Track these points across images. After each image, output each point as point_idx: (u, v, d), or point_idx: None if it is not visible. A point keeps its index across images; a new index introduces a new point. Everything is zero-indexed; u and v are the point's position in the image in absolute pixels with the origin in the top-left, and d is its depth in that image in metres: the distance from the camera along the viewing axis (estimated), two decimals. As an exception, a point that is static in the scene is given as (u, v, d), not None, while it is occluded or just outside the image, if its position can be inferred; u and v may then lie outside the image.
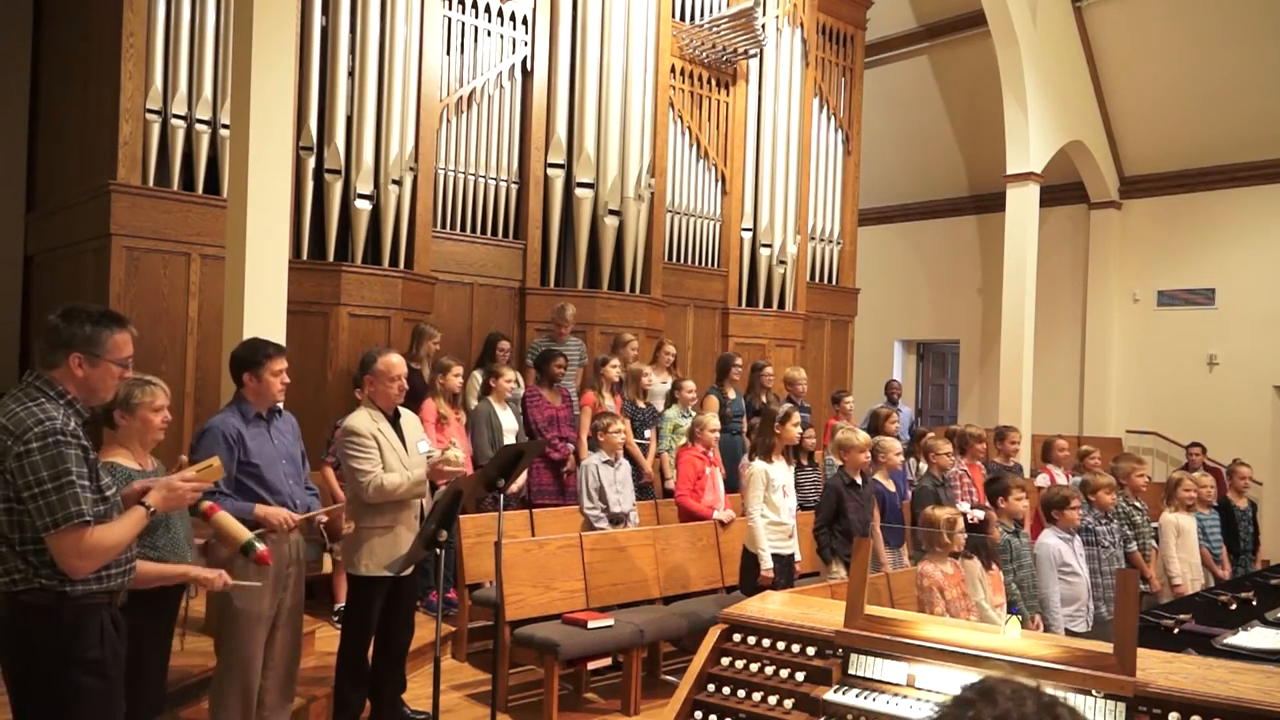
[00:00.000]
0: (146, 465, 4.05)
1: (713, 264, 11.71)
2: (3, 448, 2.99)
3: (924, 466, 8.44)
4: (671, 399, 9.04)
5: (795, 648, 3.94)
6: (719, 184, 11.71)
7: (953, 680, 3.57)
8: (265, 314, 5.90)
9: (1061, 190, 14.75)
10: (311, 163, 8.39)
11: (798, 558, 6.47)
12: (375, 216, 8.59)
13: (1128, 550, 7.36)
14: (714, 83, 11.62)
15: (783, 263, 11.84)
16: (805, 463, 8.33)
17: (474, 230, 9.71)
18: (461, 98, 9.60)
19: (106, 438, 4.05)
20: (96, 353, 3.17)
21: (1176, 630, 5.46)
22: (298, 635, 4.86)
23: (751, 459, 6.49)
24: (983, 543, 5.63)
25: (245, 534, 3.74)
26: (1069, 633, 5.83)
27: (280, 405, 4.79)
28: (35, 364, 3.17)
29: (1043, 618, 6.02)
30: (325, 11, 8.46)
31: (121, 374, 3.28)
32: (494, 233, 9.86)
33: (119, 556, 3.19)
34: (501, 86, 9.92)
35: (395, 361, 5.26)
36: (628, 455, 7.74)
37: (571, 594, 6.37)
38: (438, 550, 4.73)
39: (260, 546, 3.75)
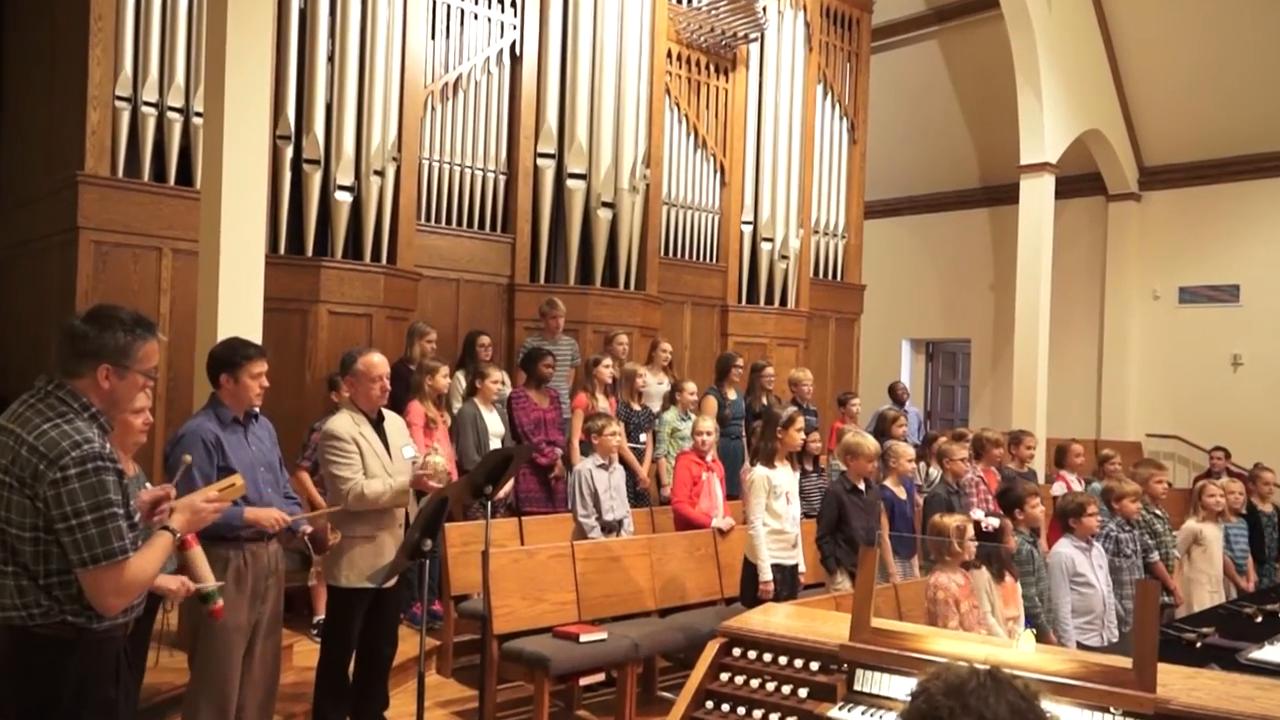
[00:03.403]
0: (129, 470, 4.05)
1: (711, 259, 11.72)
2: (34, 471, 2.84)
3: (934, 471, 8.45)
4: (669, 401, 9.04)
5: (798, 663, 3.95)
6: (718, 175, 11.72)
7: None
8: (241, 311, 5.89)
9: (1078, 181, 14.78)
10: (289, 152, 8.37)
11: (801, 568, 6.48)
12: (356, 209, 8.58)
13: (1149, 560, 7.37)
14: (712, 69, 11.63)
15: (785, 258, 11.85)
16: (810, 468, 8.34)
17: (460, 224, 9.71)
18: (447, 84, 9.59)
19: None
20: (126, 364, 3.03)
21: (1199, 644, 5.48)
22: (277, 649, 4.86)
23: (753, 464, 6.49)
24: (996, 552, 5.63)
25: (211, 583, 3.74)
26: (1080, 645, 5.84)
27: (257, 409, 4.79)
28: (53, 371, 3.02)
29: (1053, 629, 6.03)
30: (303, -7, 8.47)
31: (145, 385, 3.15)
32: (481, 226, 9.85)
33: None
34: (489, 72, 9.92)
35: (376, 361, 5.26)
36: (621, 460, 7.74)
37: (563, 606, 6.37)
38: (422, 560, 4.73)
39: (218, 601, 3.76)
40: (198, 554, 3.70)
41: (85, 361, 3.00)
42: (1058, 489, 8.51)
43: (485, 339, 8.73)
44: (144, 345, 3.08)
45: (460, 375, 8.50)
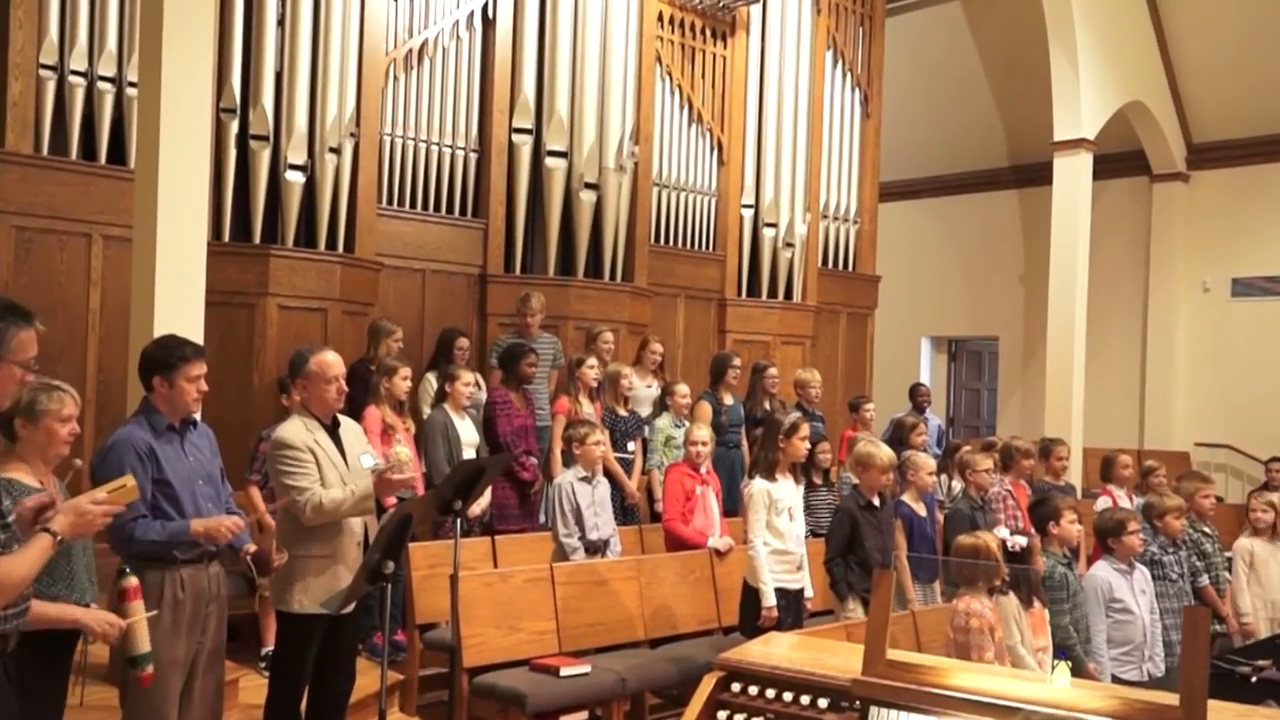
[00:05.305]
0: (48, 484, 4.04)
1: (707, 247, 11.73)
2: None
3: (956, 485, 8.46)
4: (660, 406, 9.02)
5: (805, 699, 3.94)
6: (715, 153, 11.73)
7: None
8: (180, 306, 5.88)
9: (1118, 160, 14.80)
10: (234, 127, 8.36)
11: (808, 593, 6.48)
12: (309, 191, 8.56)
13: (1198, 584, 7.37)
14: (709, 33, 11.63)
15: (790, 245, 11.86)
16: (818, 481, 8.34)
17: (426, 207, 9.69)
18: (411, 51, 9.57)
19: (1, 451, 4.04)
20: None
21: (1254, 678, 5.50)
22: (219, 684, 4.84)
23: (752, 477, 6.49)
24: (1024, 575, 5.64)
25: (145, 647, 3.75)
26: (1117, 679, 5.85)
27: (196, 416, 4.78)
28: None
29: (1091, 660, 6.04)
30: (250, -52, 8.46)
31: (23, 378, 3.17)
32: (450, 210, 9.84)
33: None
34: (459, 37, 9.90)
35: (331, 360, 5.23)
36: (607, 472, 7.73)
37: (541, 635, 6.37)
38: (383, 584, 4.72)
39: (148, 669, 3.76)
40: (138, 610, 3.70)
41: None
42: (1103, 504, 8.49)
43: (464, 341, 8.67)
44: (18, 333, 3.09)
45: (431, 378, 8.46)
